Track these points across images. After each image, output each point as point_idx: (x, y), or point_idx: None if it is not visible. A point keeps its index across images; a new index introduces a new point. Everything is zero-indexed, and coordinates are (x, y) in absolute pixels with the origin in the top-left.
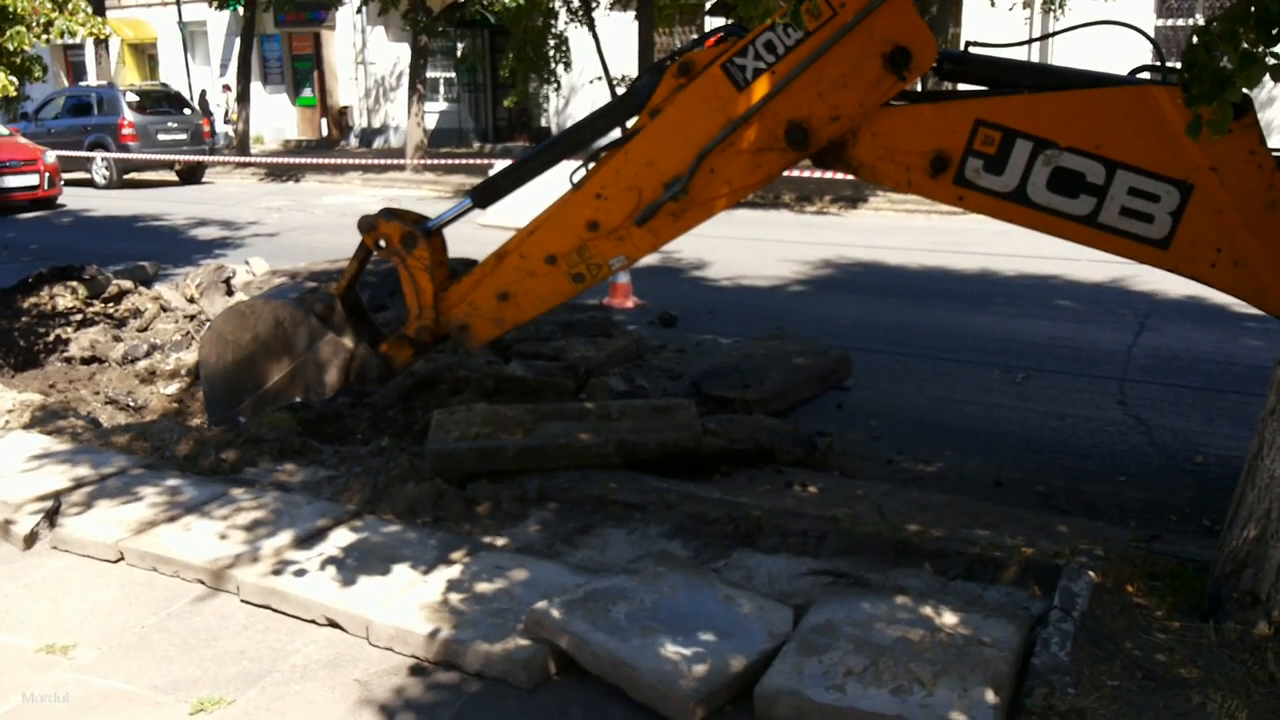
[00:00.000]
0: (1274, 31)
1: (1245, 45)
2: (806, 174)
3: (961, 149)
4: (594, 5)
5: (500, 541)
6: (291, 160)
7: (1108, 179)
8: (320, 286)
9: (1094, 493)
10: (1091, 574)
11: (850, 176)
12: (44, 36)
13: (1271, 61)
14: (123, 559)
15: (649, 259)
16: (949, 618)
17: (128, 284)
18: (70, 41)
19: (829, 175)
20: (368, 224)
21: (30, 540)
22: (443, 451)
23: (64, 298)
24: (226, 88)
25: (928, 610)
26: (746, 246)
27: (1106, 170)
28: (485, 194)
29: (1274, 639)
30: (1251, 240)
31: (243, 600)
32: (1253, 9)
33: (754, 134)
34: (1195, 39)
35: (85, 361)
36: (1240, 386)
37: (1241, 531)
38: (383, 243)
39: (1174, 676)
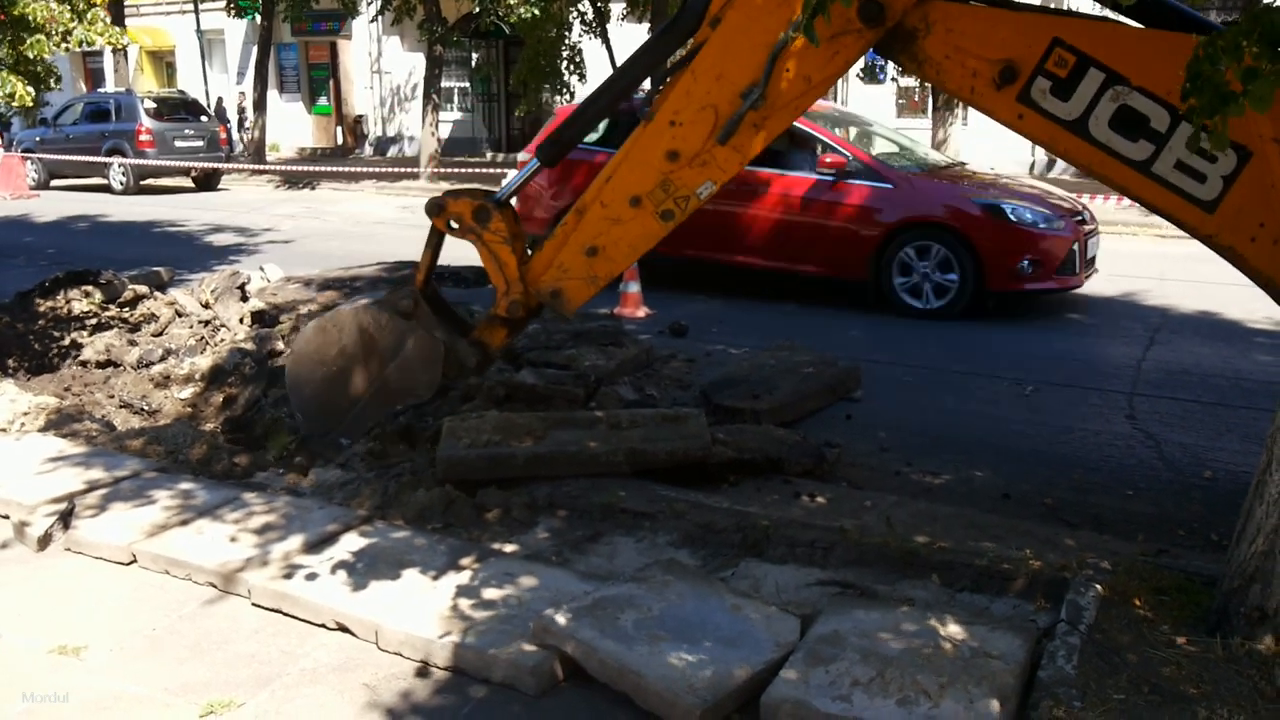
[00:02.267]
0: (1279, 48)
1: (1249, 61)
2: None
3: (1033, 64)
4: (607, 17)
5: (509, 548)
6: (307, 168)
7: (1170, 128)
8: (392, 285)
9: (1102, 506)
10: (1098, 587)
11: None
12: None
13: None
14: (135, 561)
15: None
16: (955, 629)
17: (143, 289)
18: (89, 49)
19: None
20: (436, 206)
21: (44, 542)
22: (454, 458)
23: (79, 302)
24: (242, 95)
25: (934, 622)
26: None
27: (1171, 119)
28: (553, 149)
29: None
30: None
31: (253, 604)
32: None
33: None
34: (1199, 51)
35: (100, 365)
36: (1250, 402)
37: (1249, 547)
38: (454, 223)
39: (1180, 691)
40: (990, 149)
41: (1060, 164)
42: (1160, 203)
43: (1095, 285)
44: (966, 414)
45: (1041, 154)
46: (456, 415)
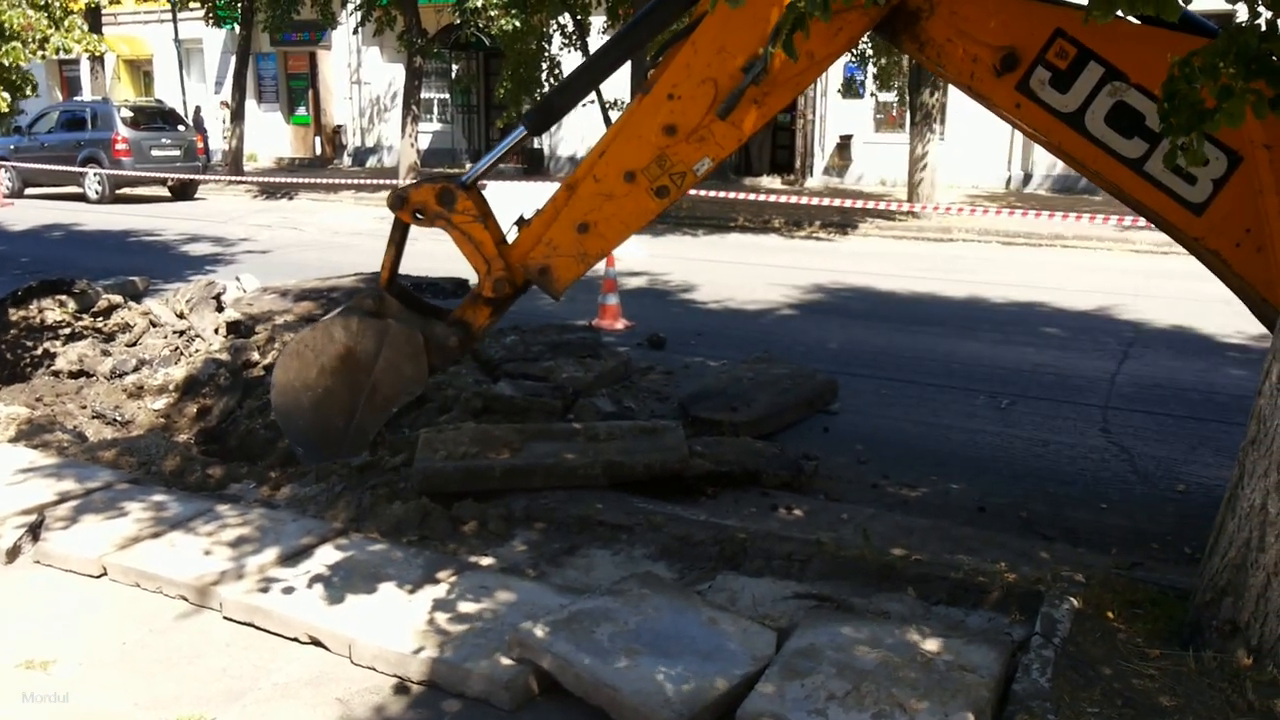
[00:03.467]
0: (1253, 67)
1: (1225, 80)
2: (799, 200)
3: (1034, 53)
4: (588, 30)
5: (486, 561)
6: (285, 179)
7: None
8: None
9: (1076, 519)
10: (1073, 600)
11: (841, 201)
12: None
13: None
14: (106, 574)
15: (637, 280)
16: (931, 643)
17: (117, 299)
18: (65, 57)
19: (819, 201)
20: (399, 199)
21: (12, 554)
22: (430, 470)
23: (53, 311)
24: (225, 104)
25: (910, 635)
26: (736, 270)
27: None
28: (540, 117)
29: (1253, 668)
30: None
31: (225, 617)
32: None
33: None
34: (1176, 70)
35: (73, 375)
36: (1222, 415)
37: (1222, 560)
38: (420, 213)
39: (1154, 704)
40: (967, 165)
41: (1036, 180)
42: (1150, 202)
43: (1070, 299)
44: (943, 427)
45: (1018, 170)
46: (433, 427)
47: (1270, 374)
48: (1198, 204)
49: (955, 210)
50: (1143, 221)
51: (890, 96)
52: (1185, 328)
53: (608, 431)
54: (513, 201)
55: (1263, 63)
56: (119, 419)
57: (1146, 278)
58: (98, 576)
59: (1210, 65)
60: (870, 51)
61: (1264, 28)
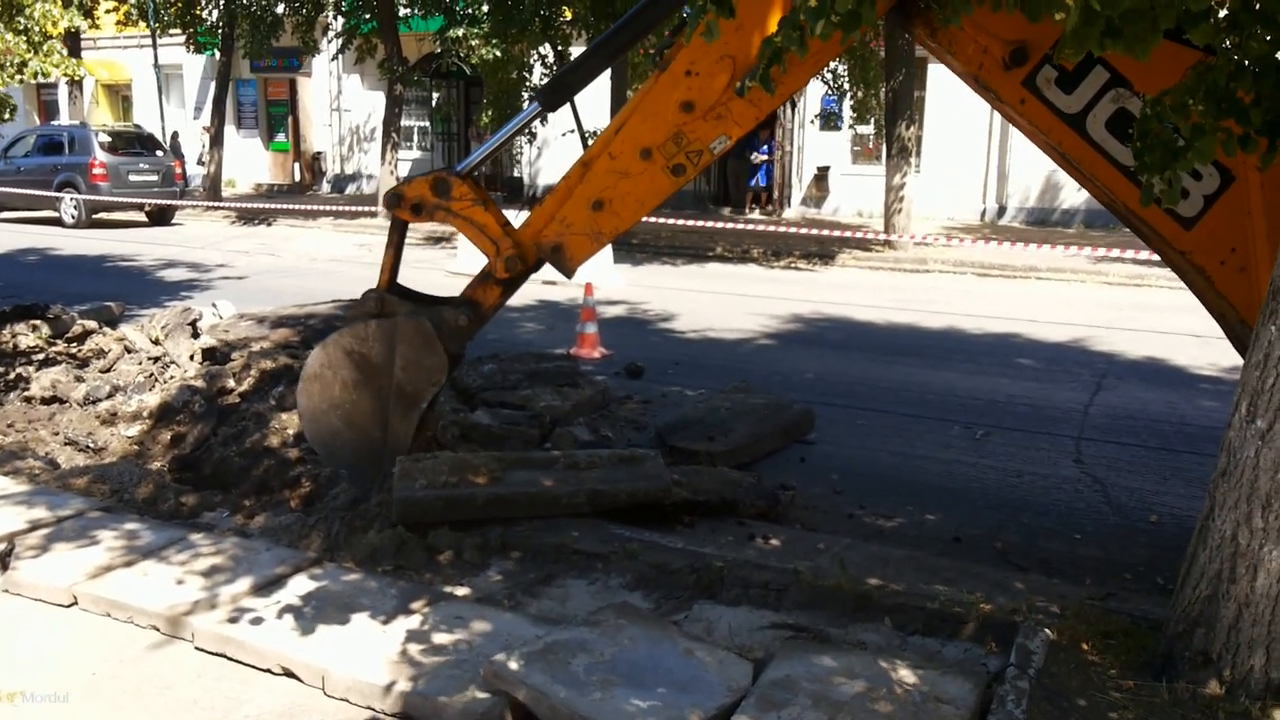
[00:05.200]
0: (1222, 106)
1: (1195, 119)
2: (777, 229)
3: (1044, 51)
4: (568, 59)
5: (461, 591)
6: (263, 205)
7: None
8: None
9: (1051, 550)
10: (1047, 631)
11: (819, 231)
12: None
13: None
14: (76, 604)
15: (615, 309)
16: (907, 674)
17: (92, 324)
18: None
19: (799, 230)
20: (394, 197)
21: None
22: (410, 500)
23: (26, 337)
24: (207, 129)
25: (886, 666)
26: (715, 300)
27: None
28: (554, 94)
29: (1225, 699)
30: (1267, 252)
31: (197, 648)
32: (1203, 84)
33: None
34: (1148, 110)
35: (45, 402)
36: (1194, 447)
37: (1194, 591)
38: (416, 208)
39: None
40: (943, 197)
41: (1011, 213)
42: (1142, 211)
43: (1044, 330)
44: (918, 457)
45: (993, 202)
46: (410, 455)
47: (1240, 407)
48: (1188, 218)
49: (932, 239)
50: (1116, 252)
51: (867, 129)
52: (1157, 360)
53: (588, 460)
54: None
55: (1231, 101)
56: (92, 446)
57: (1119, 310)
58: (68, 606)
59: (1180, 104)
60: (848, 85)
61: (1232, 67)
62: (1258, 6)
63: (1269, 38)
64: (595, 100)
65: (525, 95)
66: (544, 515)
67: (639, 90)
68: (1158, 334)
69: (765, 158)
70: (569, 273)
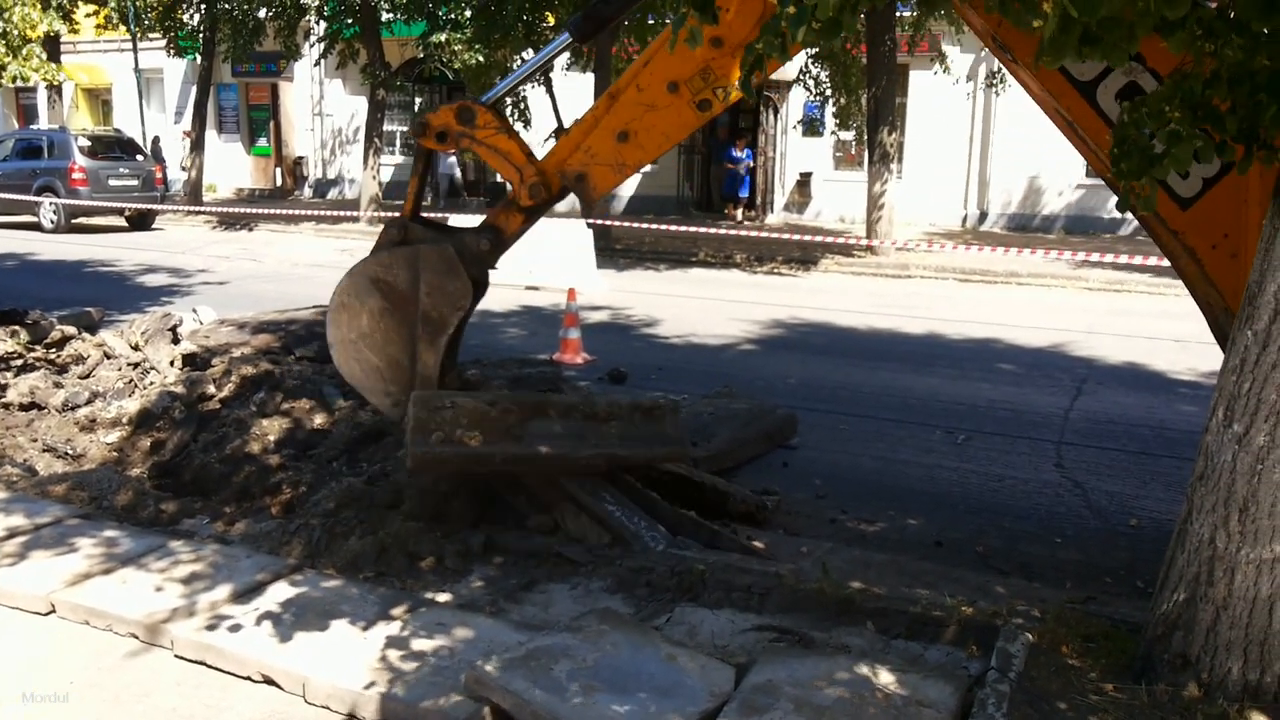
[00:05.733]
0: (1198, 113)
1: (1172, 125)
2: (759, 234)
3: None
4: (551, 66)
5: (443, 597)
6: (244, 209)
7: None
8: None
9: (1031, 554)
10: (1028, 635)
11: (802, 237)
12: None
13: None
14: (54, 612)
15: (599, 315)
16: (888, 678)
17: (71, 330)
18: (23, 85)
19: (782, 235)
20: (420, 125)
21: None
22: (428, 455)
23: (4, 342)
24: (188, 134)
25: (868, 670)
26: (698, 305)
27: None
28: (586, 24)
29: (1204, 701)
30: (1258, 240)
31: (176, 655)
32: (1179, 91)
33: None
34: (1125, 116)
35: (24, 408)
36: (1173, 451)
37: (1172, 595)
38: (441, 136)
39: None
40: (924, 202)
41: (992, 218)
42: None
43: (1025, 336)
44: (900, 462)
45: (974, 208)
46: (423, 402)
47: (1217, 411)
48: (1186, 198)
49: (914, 245)
50: (1096, 257)
51: (849, 135)
52: (1137, 364)
53: (607, 409)
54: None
55: (1207, 108)
56: (70, 452)
57: (1100, 315)
58: (46, 614)
59: (1157, 111)
60: (830, 91)
61: (1208, 74)
62: (1232, 15)
63: (1243, 45)
64: (580, 98)
65: (509, 101)
66: (561, 474)
67: (672, 23)
68: (1137, 339)
69: (749, 163)
70: (592, 202)
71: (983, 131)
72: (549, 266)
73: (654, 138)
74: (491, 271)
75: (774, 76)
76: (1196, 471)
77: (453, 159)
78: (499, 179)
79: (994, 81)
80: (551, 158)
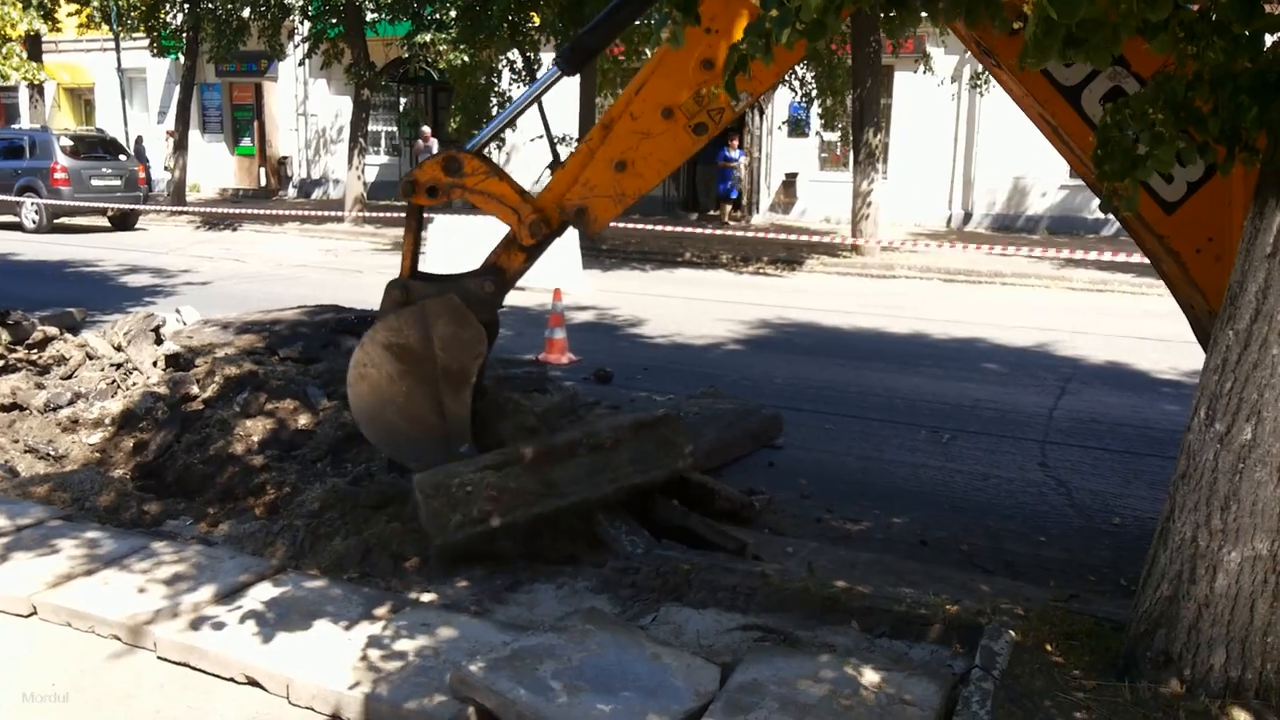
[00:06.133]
0: (1181, 115)
1: (1156, 127)
2: (745, 234)
3: None
4: (537, 66)
5: (427, 597)
6: (228, 209)
7: None
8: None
9: (1015, 552)
10: (1012, 633)
11: (787, 237)
12: None
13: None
14: (36, 614)
15: (584, 315)
16: (873, 676)
17: (53, 330)
18: (3, 84)
19: (768, 235)
20: (408, 184)
21: None
22: (453, 547)
23: None
24: (171, 134)
25: (853, 669)
26: (683, 305)
27: None
28: (574, 56)
29: (1186, 698)
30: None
31: (160, 657)
32: (1162, 93)
33: None
34: (1109, 117)
35: (5, 409)
36: (1156, 450)
37: (1155, 592)
38: (431, 192)
39: None
40: (909, 203)
41: (977, 218)
42: (1127, 192)
43: (1009, 335)
44: (885, 461)
45: (959, 208)
46: (433, 481)
47: (1199, 410)
48: (1170, 202)
49: (899, 245)
50: (1080, 255)
51: (835, 136)
52: (1121, 364)
53: (611, 436)
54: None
55: (1190, 110)
56: (53, 453)
57: (1084, 315)
58: (27, 616)
59: (1140, 113)
60: (815, 92)
61: (1190, 77)
62: (1213, 17)
63: (1224, 47)
64: (565, 108)
65: (494, 100)
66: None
67: (658, 50)
68: (1121, 338)
69: (740, 162)
70: (593, 235)
71: (967, 132)
72: (534, 266)
73: (652, 165)
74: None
75: None
76: (1179, 470)
77: (433, 150)
78: None
79: (978, 82)
80: (549, 193)
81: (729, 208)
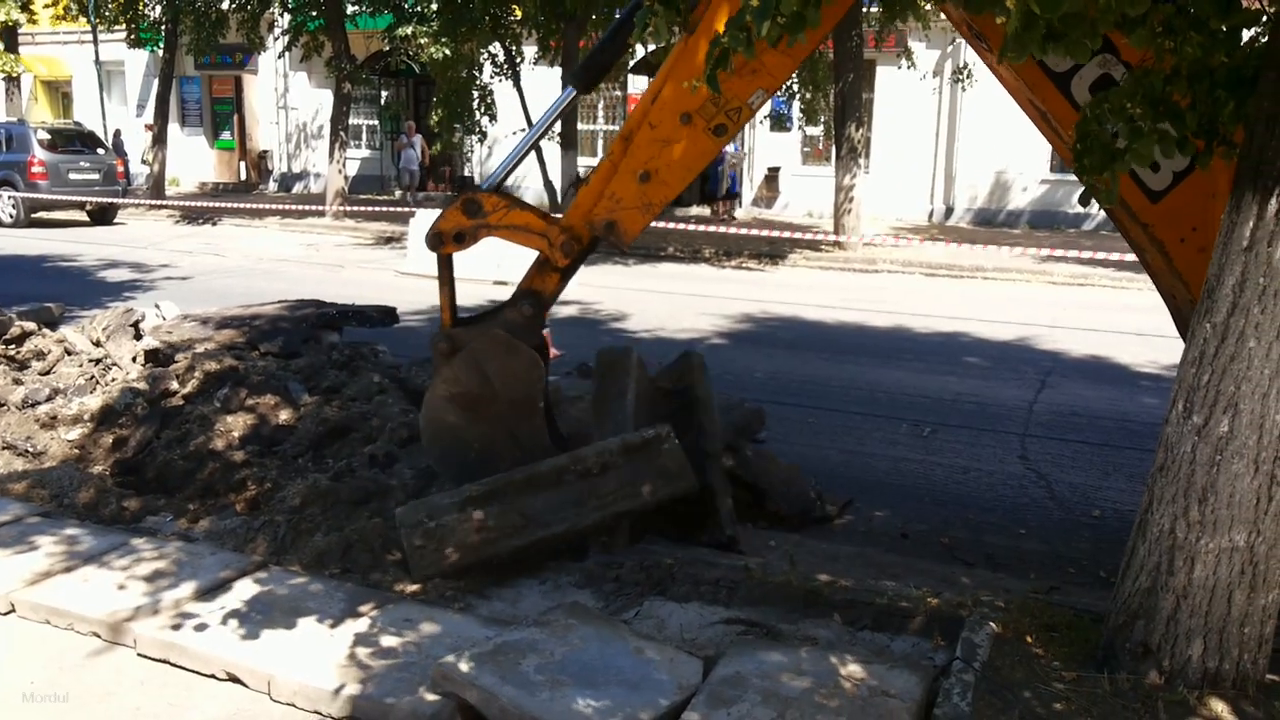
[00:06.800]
0: (1160, 109)
1: (1134, 120)
2: (728, 229)
3: None
4: (519, 59)
5: (410, 592)
6: (208, 204)
7: None
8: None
9: (996, 545)
10: (993, 625)
11: (770, 232)
12: None
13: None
14: (14, 611)
15: (567, 309)
16: (855, 668)
17: (31, 326)
18: None
19: (750, 231)
20: (435, 237)
21: None
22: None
23: None
24: (150, 127)
25: (835, 661)
26: (666, 300)
27: None
28: (588, 74)
29: (1165, 688)
30: None
31: (140, 654)
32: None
33: None
34: (1088, 111)
35: None
36: (1135, 443)
37: (1133, 584)
38: (459, 238)
39: None
40: (891, 198)
41: (958, 213)
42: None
43: (990, 329)
44: (867, 455)
45: (940, 203)
46: (415, 520)
47: (1177, 403)
48: (1156, 191)
49: (881, 239)
50: (1060, 251)
51: (817, 130)
52: (1100, 357)
53: (599, 460)
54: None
55: (1168, 104)
56: (31, 450)
57: (1064, 309)
58: (5, 614)
59: (1119, 107)
60: (797, 86)
61: (1168, 71)
62: (1191, 11)
63: (1201, 42)
64: (548, 102)
65: (475, 94)
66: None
67: (670, 56)
68: (1101, 332)
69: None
70: (624, 247)
71: (949, 126)
72: (516, 262)
73: (676, 172)
74: (458, 267)
75: None
76: (1157, 462)
77: (414, 152)
78: (466, 173)
79: (960, 77)
80: (576, 210)
81: (725, 203)
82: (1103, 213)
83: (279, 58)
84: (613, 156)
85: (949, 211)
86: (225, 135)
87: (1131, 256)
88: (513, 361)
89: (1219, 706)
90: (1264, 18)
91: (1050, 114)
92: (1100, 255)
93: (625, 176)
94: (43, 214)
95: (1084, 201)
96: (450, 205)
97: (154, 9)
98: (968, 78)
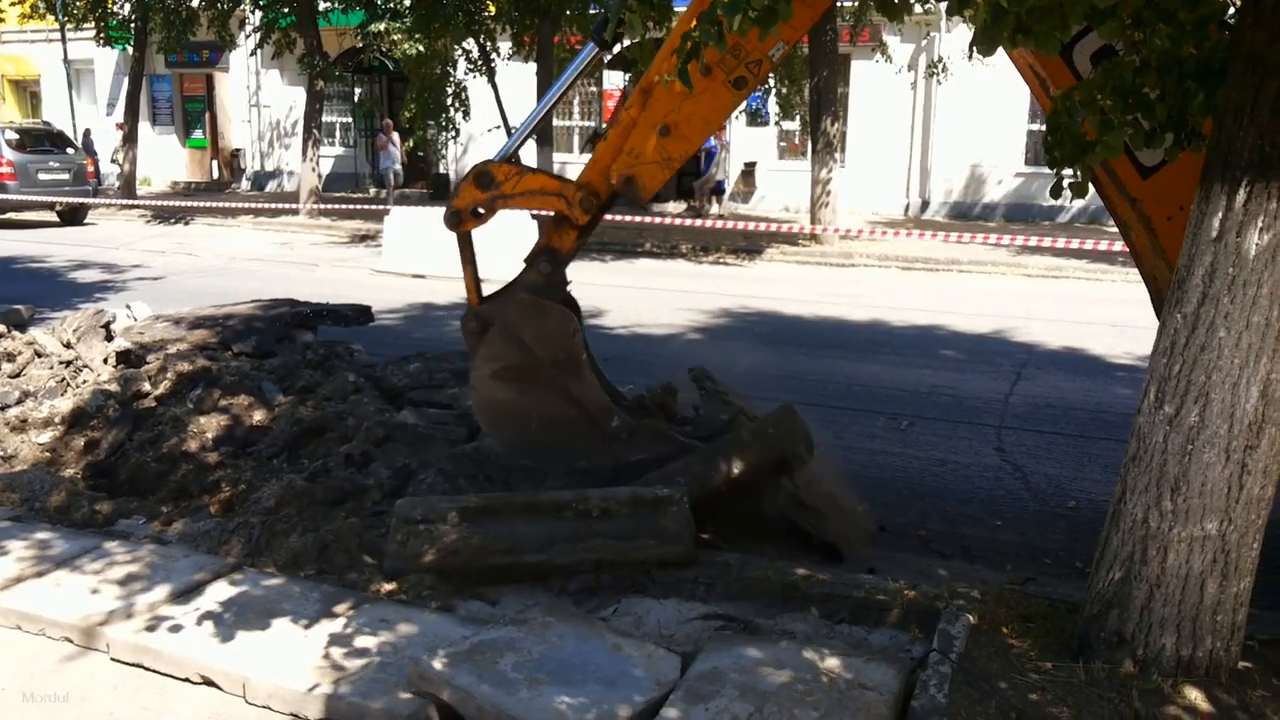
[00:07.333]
0: (1130, 101)
1: (1104, 112)
2: (705, 224)
3: None
4: (493, 56)
5: (387, 589)
6: (180, 203)
7: None
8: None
9: (972, 537)
10: (969, 616)
11: (746, 226)
12: None
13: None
14: None
15: None
16: (833, 662)
17: (0, 328)
18: None
19: (727, 225)
20: (452, 216)
21: None
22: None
23: None
24: (120, 126)
25: (812, 655)
26: (644, 295)
27: None
28: (610, 31)
29: (1139, 677)
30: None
31: (113, 659)
32: (1111, 79)
33: None
34: (1058, 104)
35: None
36: (1110, 433)
37: (1108, 574)
38: (475, 212)
39: (1046, 715)
40: (867, 192)
41: (934, 207)
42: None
43: (966, 322)
44: (845, 448)
45: (916, 197)
46: (404, 520)
47: (1149, 394)
48: (1147, 167)
49: (857, 233)
50: (1034, 241)
51: (793, 125)
52: (1075, 349)
53: (601, 506)
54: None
55: (1138, 96)
56: (1, 454)
57: (1039, 301)
58: None
59: (1090, 99)
60: (773, 81)
61: (1138, 63)
62: (1159, 4)
63: (1170, 34)
64: (522, 98)
65: (449, 91)
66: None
67: (690, 5)
68: (1076, 324)
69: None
70: (643, 202)
71: (924, 120)
72: (494, 257)
73: (695, 125)
74: (436, 264)
75: None
76: (1130, 452)
77: (395, 150)
78: (441, 169)
79: (935, 71)
80: (594, 166)
81: (719, 198)
82: (1077, 205)
83: (251, 55)
84: (630, 112)
85: (925, 205)
86: (197, 134)
87: (1105, 247)
88: (545, 321)
89: (1193, 694)
90: (1230, 9)
91: (1050, 81)
92: (1075, 247)
93: (645, 130)
94: (11, 215)
95: (1055, 194)
96: (462, 181)
97: (123, 7)
98: (943, 72)
